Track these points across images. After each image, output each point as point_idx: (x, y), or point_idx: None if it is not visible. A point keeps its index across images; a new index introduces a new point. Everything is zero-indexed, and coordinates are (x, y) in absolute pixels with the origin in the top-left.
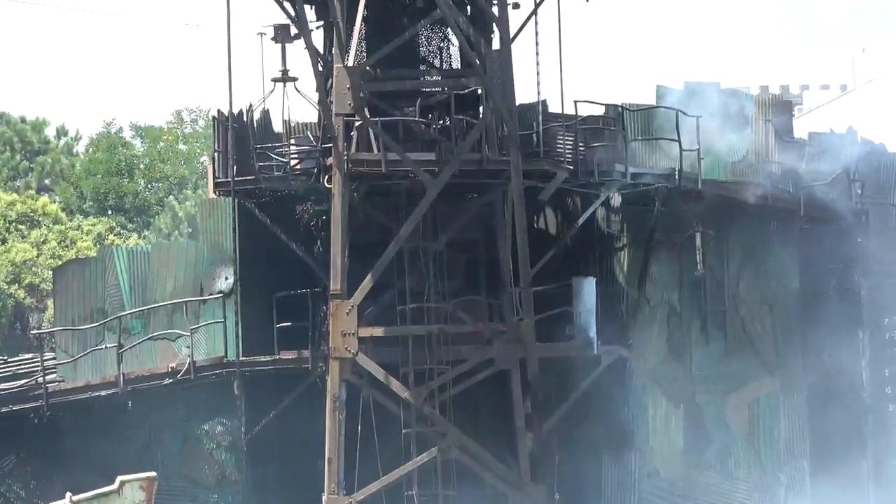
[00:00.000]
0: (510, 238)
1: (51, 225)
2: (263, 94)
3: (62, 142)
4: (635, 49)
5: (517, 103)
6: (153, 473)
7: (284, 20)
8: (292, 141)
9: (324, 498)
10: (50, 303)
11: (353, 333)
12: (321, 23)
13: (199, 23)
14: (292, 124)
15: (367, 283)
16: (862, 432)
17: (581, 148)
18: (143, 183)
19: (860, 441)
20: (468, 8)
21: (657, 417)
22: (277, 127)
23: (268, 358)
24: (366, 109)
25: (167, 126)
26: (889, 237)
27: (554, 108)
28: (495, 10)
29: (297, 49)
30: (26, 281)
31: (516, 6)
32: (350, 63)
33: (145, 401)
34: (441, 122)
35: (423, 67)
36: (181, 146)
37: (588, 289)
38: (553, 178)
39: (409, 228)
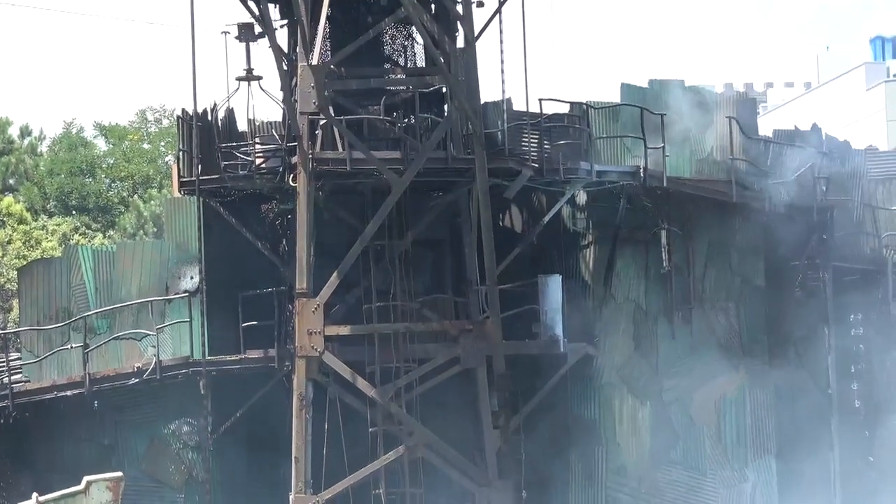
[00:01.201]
0: (476, 236)
1: (15, 225)
2: (228, 93)
3: (26, 142)
4: (600, 47)
5: (482, 101)
6: (120, 473)
7: (248, 19)
8: (257, 140)
9: (291, 497)
10: (15, 303)
11: (320, 332)
12: (285, 21)
13: (163, 22)
14: (257, 123)
15: (332, 281)
16: (829, 428)
17: (546, 146)
18: (107, 182)
19: (827, 437)
20: (432, 6)
21: (624, 414)
22: (242, 126)
23: (234, 357)
24: (330, 108)
25: (131, 125)
26: (853, 233)
27: (519, 106)
28: (459, 8)
29: (261, 48)
30: None
31: (480, 4)
32: (314, 61)
33: (111, 401)
34: (406, 120)
35: (387, 66)
36: (145, 145)
37: (554, 286)
38: (518, 176)
39: (374, 227)
